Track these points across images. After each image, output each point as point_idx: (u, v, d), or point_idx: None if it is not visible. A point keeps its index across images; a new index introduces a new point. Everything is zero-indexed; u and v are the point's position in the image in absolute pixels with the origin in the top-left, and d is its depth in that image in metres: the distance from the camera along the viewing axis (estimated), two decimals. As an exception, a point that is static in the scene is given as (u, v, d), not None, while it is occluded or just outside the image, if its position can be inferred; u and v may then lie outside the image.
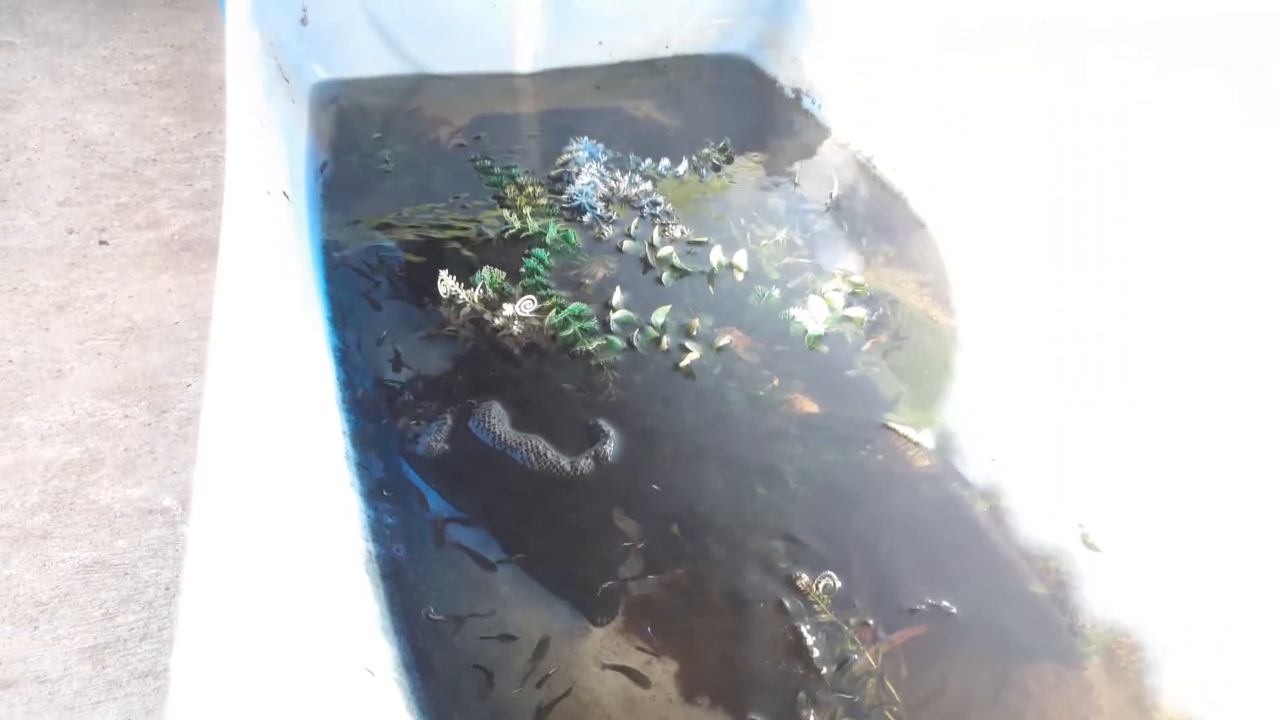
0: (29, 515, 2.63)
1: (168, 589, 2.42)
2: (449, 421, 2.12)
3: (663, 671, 1.78)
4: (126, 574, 2.46)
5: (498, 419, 2.11)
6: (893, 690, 1.74)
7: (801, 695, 1.72)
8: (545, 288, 2.57)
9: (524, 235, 2.80)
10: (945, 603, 1.83)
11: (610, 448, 2.09)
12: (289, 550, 1.60)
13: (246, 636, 1.31)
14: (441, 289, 2.48)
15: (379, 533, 1.90)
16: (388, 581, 1.81)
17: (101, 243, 3.77)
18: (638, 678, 1.73)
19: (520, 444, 2.06)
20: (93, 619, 2.34)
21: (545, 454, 2.04)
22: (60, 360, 3.20)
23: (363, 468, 2.02)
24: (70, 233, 3.83)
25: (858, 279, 2.74)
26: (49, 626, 2.32)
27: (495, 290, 2.51)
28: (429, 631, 1.76)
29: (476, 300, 2.48)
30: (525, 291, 2.52)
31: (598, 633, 1.80)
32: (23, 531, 2.58)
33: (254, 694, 1.24)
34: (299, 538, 1.65)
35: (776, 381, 2.36)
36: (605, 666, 1.74)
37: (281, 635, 1.42)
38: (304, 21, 3.51)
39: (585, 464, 2.04)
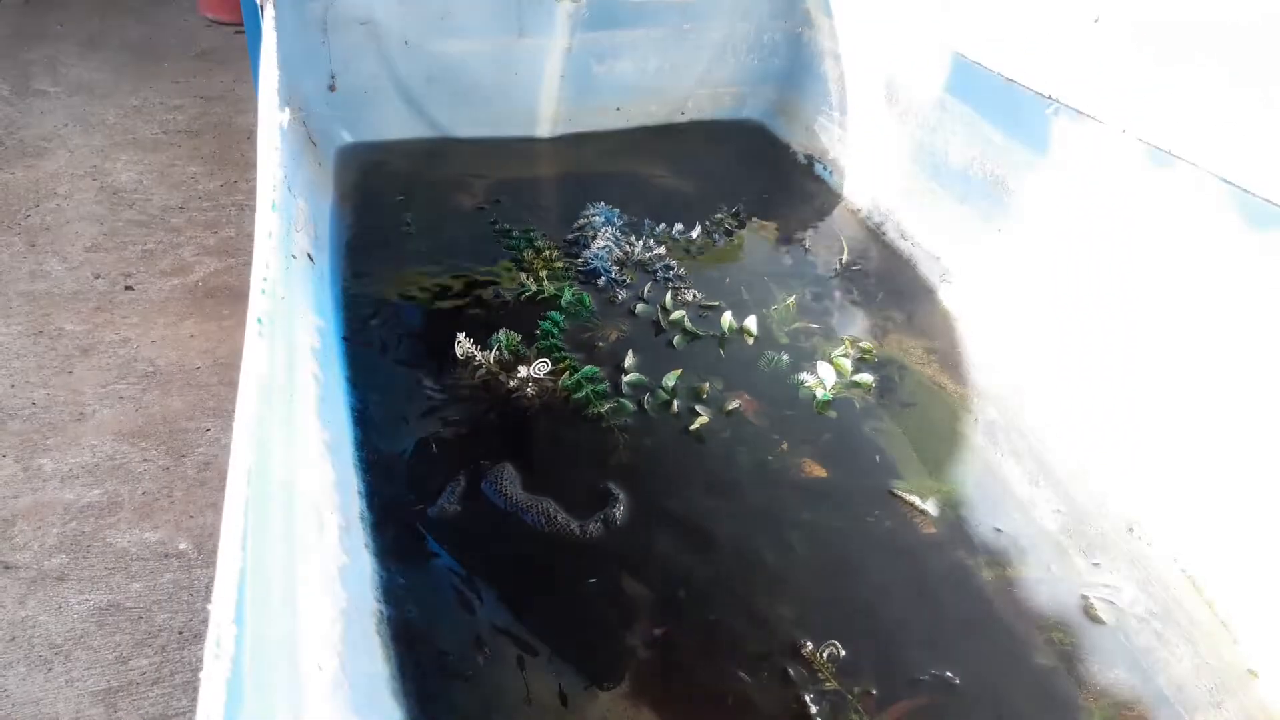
0: (47, 557, 2.67)
1: (181, 633, 2.45)
2: (462, 483, 2.16)
3: (664, 726, 1.79)
4: (141, 618, 2.49)
5: (510, 481, 2.15)
6: (898, 761, 1.75)
7: (807, 763, 1.73)
8: (559, 350, 2.63)
9: (540, 298, 2.87)
10: (949, 673, 1.84)
11: (619, 511, 2.13)
12: (306, 610, 1.63)
13: (265, 696, 1.34)
14: (458, 350, 2.54)
15: (391, 593, 1.93)
16: (399, 643, 1.84)
17: (127, 288, 3.86)
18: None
19: (531, 506, 2.09)
20: (106, 662, 2.36)
21: (556, 517, 2.07)
22: (83, 403, 3.27)
23: (377, 528, 2.05)
24: (96, 278, 3.92)
25: (866, 344, 2.79)
26: (63, 669, 2.35)
27: (511, 352, 2.57)
28: (438, 694, 1.78)
29: (492, 361, 2.53)
30: (540, 354, 2.58)
31: (604, 696, 1.82)
32: (40, 573, 2.62)
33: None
34: (315, 598, 1.68)
35: (785, 446, 2.40)
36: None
37: (296, 695, 1.45)
38: (332, 88, 3.63)
39: (595, 528, 2.07)
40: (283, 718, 1.35)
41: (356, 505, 2.08)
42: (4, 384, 3.22)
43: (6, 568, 2.59)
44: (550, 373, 2.52)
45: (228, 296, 3.82)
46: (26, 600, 2.51)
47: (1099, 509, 2.27)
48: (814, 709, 1.79)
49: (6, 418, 3.11)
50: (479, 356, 2.54)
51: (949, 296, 3.03)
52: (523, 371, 2.51)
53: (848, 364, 2.67)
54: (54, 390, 3.24)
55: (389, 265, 3.04)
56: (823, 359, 2.69)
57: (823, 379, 2.61)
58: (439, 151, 3.81)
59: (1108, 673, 1.91)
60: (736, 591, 2.01)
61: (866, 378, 2.64)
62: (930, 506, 2.25)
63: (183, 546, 2.69)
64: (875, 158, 3.55)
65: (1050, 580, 2.09)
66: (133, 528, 2.75)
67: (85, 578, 2.58)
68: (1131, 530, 2.23)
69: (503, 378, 2.52)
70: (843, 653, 1.88)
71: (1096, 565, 2.13)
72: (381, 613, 1.89)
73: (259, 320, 1.63)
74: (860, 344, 2.80)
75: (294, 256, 2.32)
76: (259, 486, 1.59)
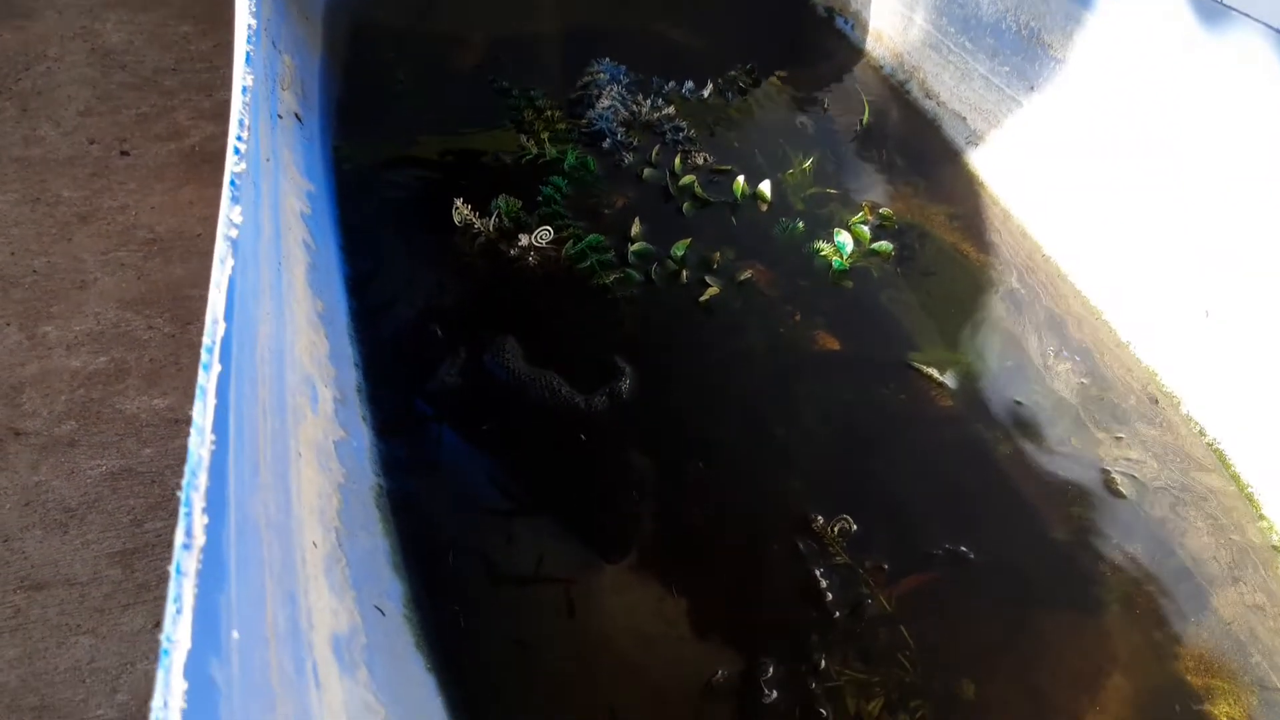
0: (56, 423, 2.62)
1: (191, 504, 2.40)
2: (463, 355, 2.05)
3: (676, 610, 1.74)
4: (154, 481, 2.45)
5: (512, 354, 2.04)
6: (906, 635, 1.69)
7: (814, 638, 1.67)
8: (562, 217, 2.46)
9: (541, 161, 2.68)
10: (963, 548, 1.77)
11: (626, 385, 2.02)
12: (301, 483, 1.55)
13: (259, 569, 1.26)
14: (456, 217, 2.39)
15: (392, 467, 1.85)
16: (399, 516, 1.77)
17: (123, 153, 3.69)
18: (650, 615, 1.70)
19: (535, 380, 1.99)
20: (121, 525, 2.33)
21: (560, 390, 1.97)
22: (84, 271, 3.16)
23: (375, 402, 1.96)
24: (91, 143, 3.75)
25: (886, 210, 2.61)
26: (78, 532, 2.32)
27: (511, 219, 2.41)
28: (440, 568, 1.72)
29: (491, 229, 2.38)
30: (542, 221, 2.42)
31: (610, 570, 1.76)
32: (51, 439, 2.57)
33: (262, 628, 1.20)
34: (310, 473, 1.60)
35: (798, 317, 2.27)
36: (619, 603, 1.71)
37: (291, 570, 1.38)
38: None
39: (600, 401, 1.97)
40: (274, 589, 1.29)
41: (353, 377, 1.98)
42: (4, 252, 3.10)
43: (17, 434, 2.54)
44: (552, 241, 2.37)
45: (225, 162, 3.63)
46: (39, 466, 2.47)
47: (1123, 381, 2.15)
48: (824, 583, 1.72)
49: (9, 286, 3.01)
50: (478, 224, 2.39)
51: (975, 159, 2.82)
52: (524, 240, 2.36)
53: (866, 231, 2.50)
54: (54, 258, 3.13)
55: (381, 127, 2.84)
56: (840, 226, 2.52)
57: (840, 246, 2.45)
58: (432, 3, 3.53)
59: (1126, 547, 1.83)
60: (745, 466, 1.92)
61: (885, 245, 2.48)
62: (948, 379, 2.13)
63: (192, 413, 2.62)
64: (900, 10, 3.26)
65: (1070, 454, 1.99)
66: (141, 394, 2.68)
67: (96, 443, 2.53)
68: (1156, 402, 2.11)
69: (503, 246, 2.37)
70: (854, 527, 1.80)
71: (1119, 439, 2.03)
72: (381, 486, 1.82)
73: (233, 182, 1.48)
74: (880, 210, 2.63)
75: (280, 117, 2.14)
76: (244, 356, 1.48)
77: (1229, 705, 1.64)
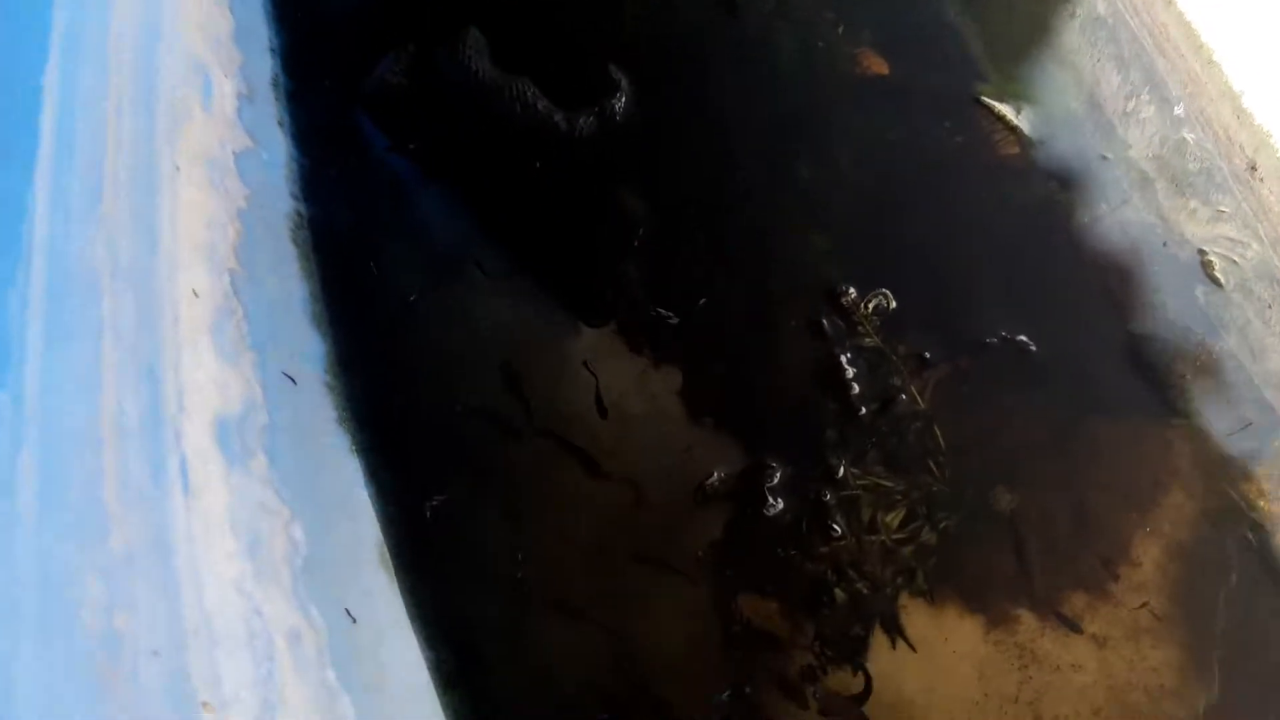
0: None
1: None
2: (411, 50, 1.55)
3: (663, 386, 1.42)
4: None
5: (476, 50, 1.53)
6: (939, 436, 1.39)
7: (830, 434, 1.37)
8: None
9: None
10: (1023, 337, 1.42)
11: (622, 103, 1.55)
12: (177, 210, 1.14)
13: (89, 341, 0.90)
14: None
15: (316, 190, 1.43)
16: (324, 254, 1.37)
17: None
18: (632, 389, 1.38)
19: (504, 87, 1.50)
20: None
21: (535, 103, 1.50)
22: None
23: (297, 101, 1.49)
24: None
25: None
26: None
27: None
28: (374, 322, 1.36)
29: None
30: None
31: (588, 334, 1.41)
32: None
33: (92, 428, 0.85)
34: (195, 190, 1.18)
35: (841, 29, 1.75)
36: (588, 367, 1.38)
37: (153, 334, 1.01)
38: None
39: (587, 122, 1.51)
40: (119, 365, 0.93)
41: (267, 67, 1.50)
42: None
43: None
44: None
45: None
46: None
47: (1225, 141, 1.69)
48: (849, 371, 1.39)
49: None
50: None
51: None
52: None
53: (936, -80, 1.91)
54: None
55: None
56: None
57: (902, -63, 1.87)
58: None
59: (1214, 346, 1.50)
60: (761, 216, 1.52)
61: (959, -61, 1.90)
62: (1023, 121, 1.67)
63: None
64: None
65: (1157, 228, 1.60)
66: None
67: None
68: (1255, 169, 1.68)
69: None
70: (892, 304, 1.44)
71: (1221, 213, 1.62)
72: (300, 214, 1.41)
73: None
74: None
75: None
76: (80, 24, 1.03)
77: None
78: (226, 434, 1.06)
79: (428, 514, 1.29)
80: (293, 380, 1.22)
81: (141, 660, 0.83)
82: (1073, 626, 1.31)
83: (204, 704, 0.87)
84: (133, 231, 1.07)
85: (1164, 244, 1.58)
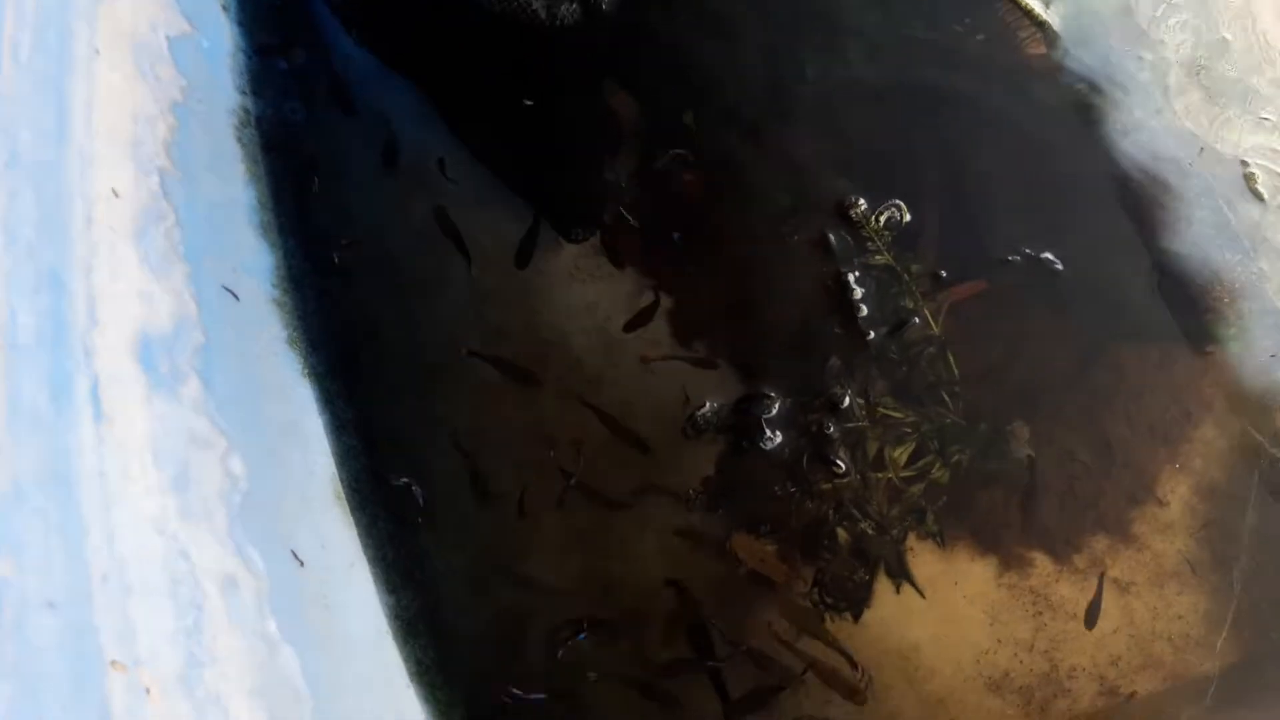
0: None
1: None
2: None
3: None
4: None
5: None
6: (953, 364, 1.26)
7: (834, 361, 1.24)
8: None
9: None
10: (1048, 255, 1.28)
11: (608, -15, 1.37)
12: (95, 97, 0.98)
13: None
14: None
15: (265, 83, 1.27)
16: (273, 156, 1.21)
17: None
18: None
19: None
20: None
21: (510, -13, 1.31)
22: None
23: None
24: None
25: None
26: None
27: None
28: (333, 235, 1.21)
29: None
30: None
31: (570, 250, 1.27)
32: None
33: None
34: (120, 79, 1.02)
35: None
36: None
37: (59, 236, 0.86)
38: None
39: (569, 10, 1.33)
40: (10, 270, 0.78)
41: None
42: None
43: None
44: None
45: None
46: None
47: (1264, 48, 1.52)
48: (857, 292, 1.25)
49: None
50: None
51: None
52: None
53: None
54: None
55: None
56: None
57: None
58: None
59: (1254, 266, 1.36)
60: (763, 119, 1.36)
61: None
62: (1051, 16, 1.50)
63: None
64: None
65: (1195, 135, 1.44)
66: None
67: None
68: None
69: None
70: (906, 217, 1.30)
71: (1264, 122, 1.46)
72: (246, 110, 1.25)
73: None
74: None
75: None
76: None
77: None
78: (151, 353, 0.92)
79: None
80: (235, 295, 1.08)
81: (31, 613, 0.70)
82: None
83: (112, 663, 0.74)
84: (36, 119, 0.91)
85: (1201, 152, 1.43)
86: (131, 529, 0.82)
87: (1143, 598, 1.23)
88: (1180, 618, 1.22)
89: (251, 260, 1.15)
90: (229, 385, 1.01)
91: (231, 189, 1.18)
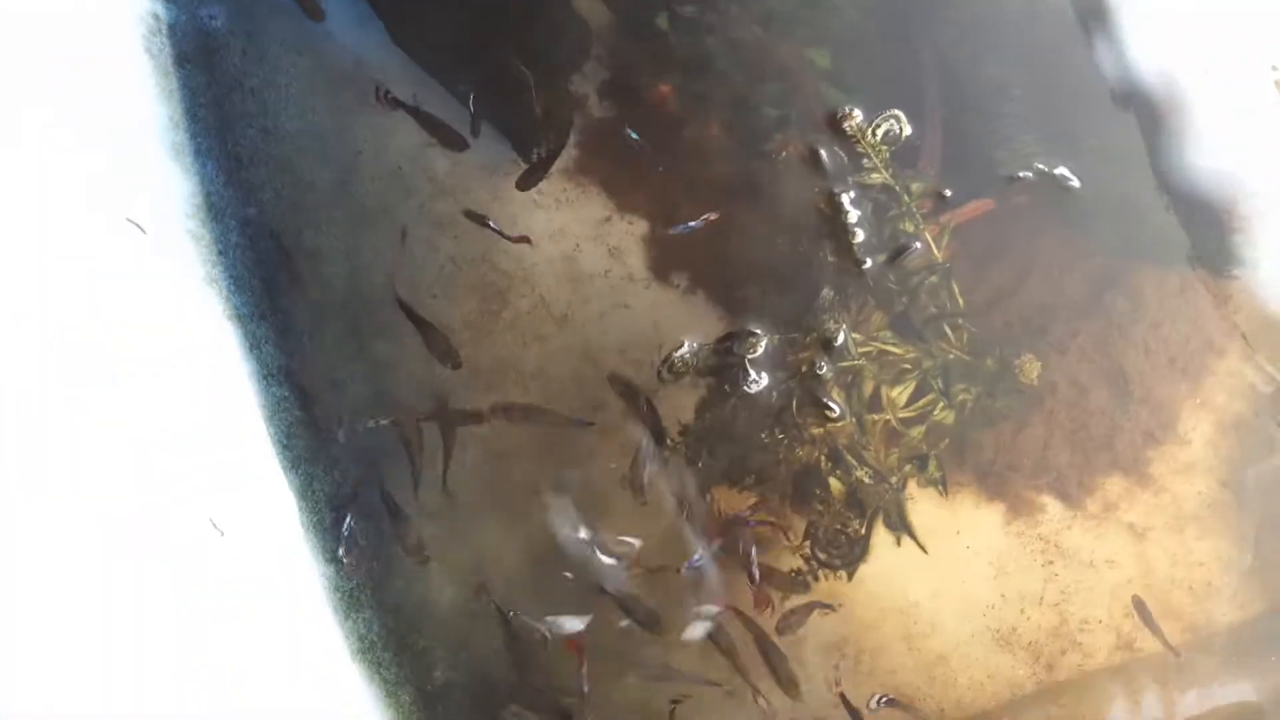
0: None
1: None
2: None
3: (626, 235, 1.16)
4: None
5: None
6: (957, 294, 1.13)
7: (826, 293, 1.11)
8: None
9: None
10: (1063, 170, 1.14)
11: None
12: None
13: None
14: None
15: None
16: (187, 69, 1.05)
17: None
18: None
19: None
20: None
21: None
22: None
23: None
24: None
25: None
26: None
27: None
28: (255, 158, 1.06)
29: None
30: None
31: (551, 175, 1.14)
32: None
33: None
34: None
35: None
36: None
37: None
38: None
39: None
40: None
41: None
42: None
43: None
44: None
45: None
46: None
47: None
48: (851, 215, 1.11)
49: None
50: None
51: None
52: None
53: None
54: None
55: None
56: None
57: None
58: None
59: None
60: (747, 25, 1.21)
61: None
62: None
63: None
64: None
65: (1223, 36, 1.29)
66: None
67: None
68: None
69: None
70: (905, 130, 1.15)
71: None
72: (157, 17, 1.11)
73: None
74: None
75: None
76: None
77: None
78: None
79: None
80: (141, 229, 0.93)
81: None
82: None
83: None
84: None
85: (1230, 55, 1.28)
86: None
87: (1161, 543, 1.14)
88: (1201, 564, 1.13)
89: (164, 186, 1.00)
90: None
91: (139, 107, 1.02)
